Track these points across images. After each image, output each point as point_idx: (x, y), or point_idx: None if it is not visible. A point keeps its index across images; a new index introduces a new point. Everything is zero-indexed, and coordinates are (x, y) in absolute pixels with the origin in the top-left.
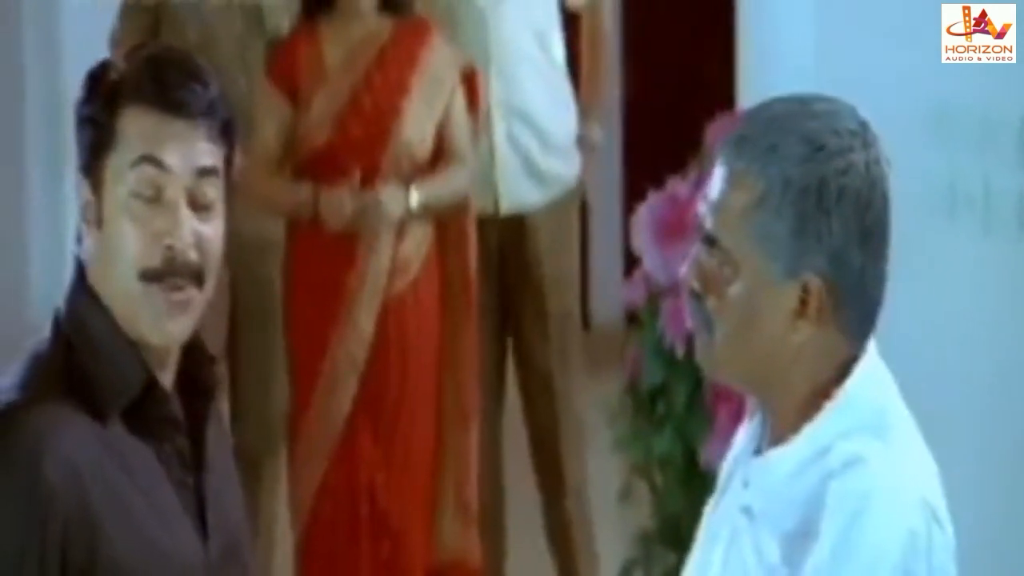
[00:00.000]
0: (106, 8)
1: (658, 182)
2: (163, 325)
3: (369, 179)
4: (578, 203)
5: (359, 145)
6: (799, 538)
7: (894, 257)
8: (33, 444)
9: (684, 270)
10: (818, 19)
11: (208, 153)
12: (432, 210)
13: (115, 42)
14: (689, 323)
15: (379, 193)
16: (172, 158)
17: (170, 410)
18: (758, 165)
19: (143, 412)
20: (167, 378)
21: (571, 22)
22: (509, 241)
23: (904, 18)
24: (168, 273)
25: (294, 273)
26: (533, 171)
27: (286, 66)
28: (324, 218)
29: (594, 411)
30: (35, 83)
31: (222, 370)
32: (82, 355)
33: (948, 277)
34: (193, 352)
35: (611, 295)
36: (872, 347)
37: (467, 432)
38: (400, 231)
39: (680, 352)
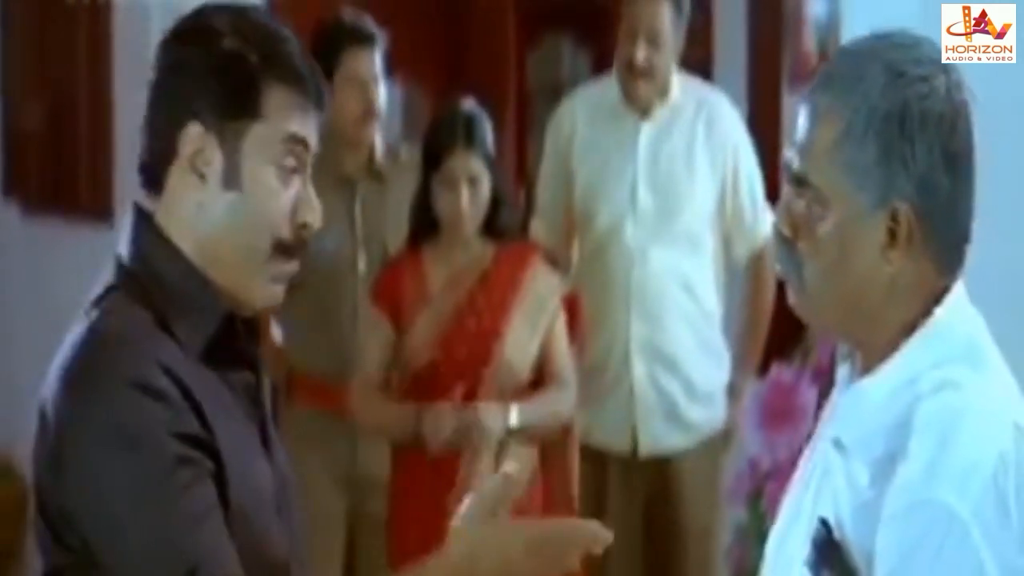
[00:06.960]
0: None
1: (763, 368)
2: (272, 293)
3: (470, 399)
4: (725, 447)
5: (461, 365)
6: (887, 461)
7: None
8: (138, 364)
9: (774, 216)
10: None
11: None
12: (532, 430)
13: None
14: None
15: (479, 410)
16: (312, 140)
17: (244, 343)
18: (841, 98)
19: (219, 347)
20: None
21: None
22: (653, 483)
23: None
24: (296, 249)
25: (397, 500)
26: (676, 418)
27: (390, 289)
28: (426, 436)
29: None
30: None
31: None
32: (159, 296)
33: None
34: None
35: None
36: (960, 282)
37: None
38: (500, 452)
39: None
